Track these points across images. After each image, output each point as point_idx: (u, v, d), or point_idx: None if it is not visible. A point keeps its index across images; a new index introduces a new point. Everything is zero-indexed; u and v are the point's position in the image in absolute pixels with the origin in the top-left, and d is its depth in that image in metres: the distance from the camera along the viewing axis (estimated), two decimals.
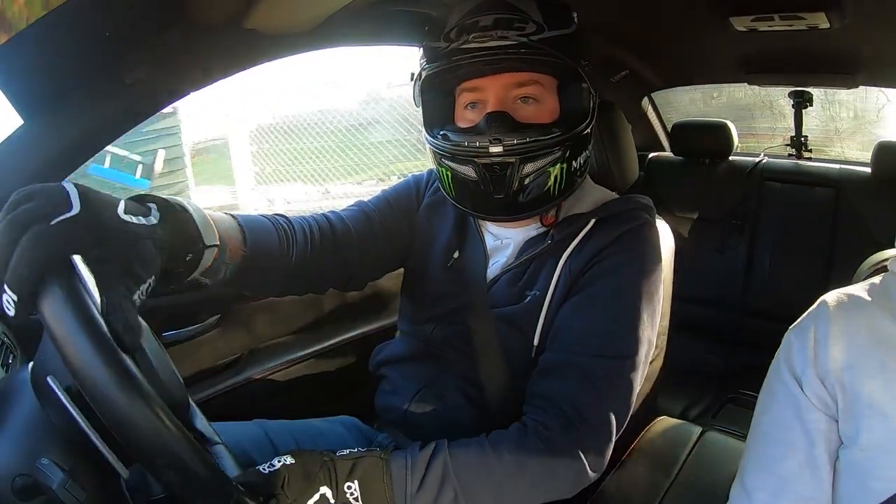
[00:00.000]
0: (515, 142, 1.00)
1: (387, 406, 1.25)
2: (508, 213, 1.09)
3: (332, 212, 1.21)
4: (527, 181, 1.04)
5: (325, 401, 1.59)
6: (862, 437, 0.74)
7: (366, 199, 1.28)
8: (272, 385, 1.50)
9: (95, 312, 0.60)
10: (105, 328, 0.60)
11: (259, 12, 1.04)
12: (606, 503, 1.19)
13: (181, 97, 1.12)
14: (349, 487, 0.85)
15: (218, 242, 0.88)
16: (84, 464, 0.65)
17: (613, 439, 1.00)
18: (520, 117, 1.04)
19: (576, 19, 1.07)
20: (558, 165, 1.04)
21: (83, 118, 1.01)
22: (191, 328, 1.35)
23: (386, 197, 1.28)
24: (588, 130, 1.09)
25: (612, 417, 0.99)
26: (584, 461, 0.96)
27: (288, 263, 1.09)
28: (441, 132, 1.09)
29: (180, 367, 0.82)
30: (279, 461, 0.83)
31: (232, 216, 0.98)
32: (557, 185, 1.06)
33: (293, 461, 0.83)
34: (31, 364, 0.71)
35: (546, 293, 1.08)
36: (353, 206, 1.26)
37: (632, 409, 1.04)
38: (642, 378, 1.06)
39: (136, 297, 0.67)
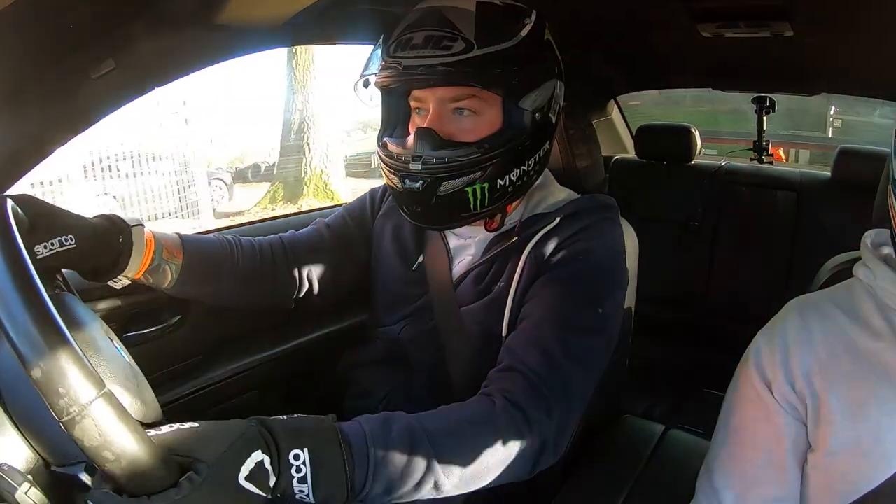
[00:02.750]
0: (434, 161, 1.01)
1: (356, 409, 1.24)
2: (430, 224, 1.12)
3: (289, 231, 1.28)
4: (443, 198, 1.03)
5: (290, 402, 1.58)
6: (829, 441, 0.75)
7: (326, 219, 1.33)
8: (237, 387, 1.47)
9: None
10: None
11: (228, 6, 1.03)
12: (570, 501, 1.20)
13: (147, 92, 1.09)
14: (297, 458, 0.69)
15: (141, 222, 1.03)
16: (46, 469, 0.63)
17: (575, 416, 0.98)
18: (452, 131, 1.04)
19: (524, 32, 1.04)
20: (477, 185, 1.03)
21: (44, 114, 0.98)
22: (153, 329, 1.33)
23: (342, 213, 1.33)
24: (524, 146, 1.06)
25: (575, 391, 0.97)
26: (551, 430, 0.91)
27: (235, 268, 1.15)
28: (384, 139, 1.11)
29: (144, 370, 0.81)
30: (175, 426, 0.65)
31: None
32: (478, 202, 1.06)
33: (199, 426, 0.66)
34: None
35: (511, 283, 1.09)
36: (312, 223, 1.31)
37: (591, 394, 1.02)
38: (607, 359, 1.06)
39: (41, 247, 0.85)
